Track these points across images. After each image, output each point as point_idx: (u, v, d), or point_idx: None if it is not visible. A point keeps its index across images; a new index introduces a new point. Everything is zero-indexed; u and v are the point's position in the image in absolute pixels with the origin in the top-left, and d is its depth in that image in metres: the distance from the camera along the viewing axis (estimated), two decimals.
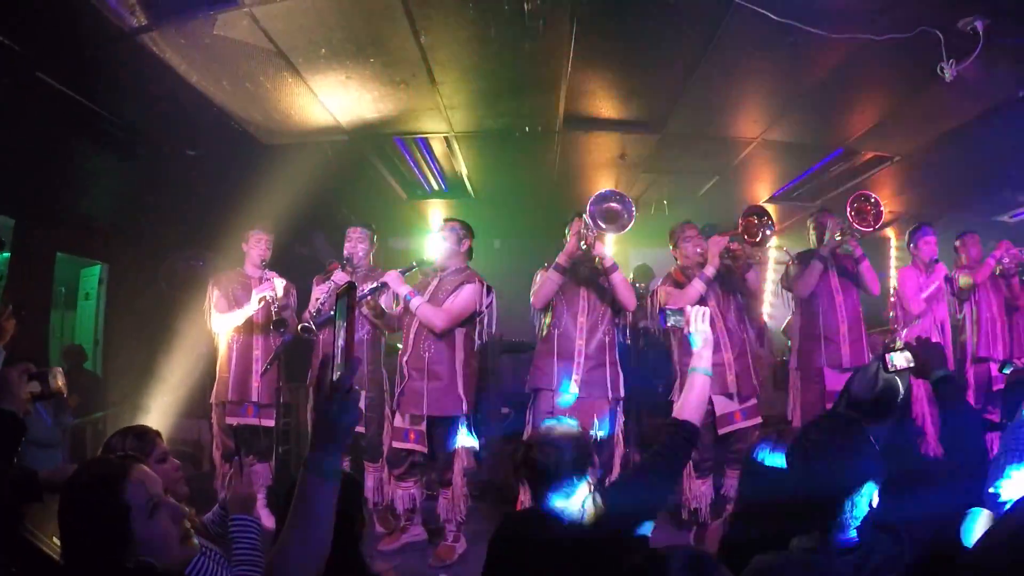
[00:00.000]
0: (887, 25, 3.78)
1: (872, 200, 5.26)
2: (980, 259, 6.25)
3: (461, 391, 4.88)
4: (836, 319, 5.42)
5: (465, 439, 4.99)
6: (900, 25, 3.79)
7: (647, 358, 7.30)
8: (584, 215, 4.59)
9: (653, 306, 5.21)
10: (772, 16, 3.55)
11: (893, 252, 9.74)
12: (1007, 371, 4.91)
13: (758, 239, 5.04)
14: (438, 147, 6.04)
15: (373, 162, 6.36)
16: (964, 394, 4.61)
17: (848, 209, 5.25)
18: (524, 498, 4.29)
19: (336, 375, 1.60)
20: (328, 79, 4.50)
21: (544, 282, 4.86)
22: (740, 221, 5.09)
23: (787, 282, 5.77)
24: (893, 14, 3.72)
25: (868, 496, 1.96)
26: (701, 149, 6.02)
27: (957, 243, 6.49)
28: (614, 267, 4.78)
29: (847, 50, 4.04)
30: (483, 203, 7.60)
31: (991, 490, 1.74)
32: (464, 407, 4.90)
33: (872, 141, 5.80)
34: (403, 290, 4.90)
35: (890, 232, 9.42)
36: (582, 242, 4.70)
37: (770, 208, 7.03)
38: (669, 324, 2.93)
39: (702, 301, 4.92)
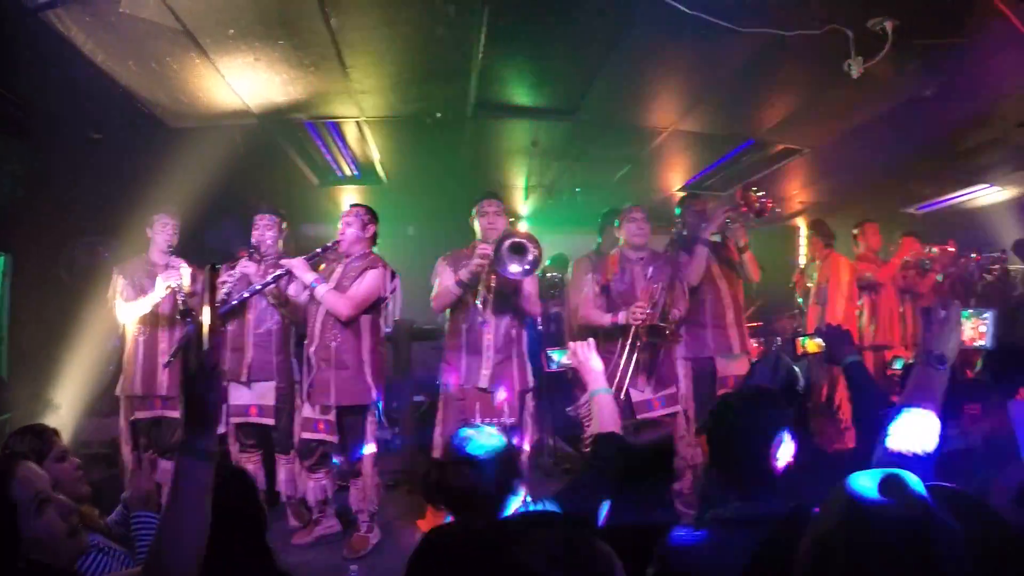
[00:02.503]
0: (798, 21, 3.89)
1: (760, 191, 5.41)
2: (879, 248, 6.51)
3: (370, 379, 4.84)
4: (722, 306, 5.49)
5: (375, 428, 4.96)
6: (811, 22, 3.91)
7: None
8: (485, 250, 4.59)
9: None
10: (682, 7, 3.59)
11: (803, 240, 10.01)
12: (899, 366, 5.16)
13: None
14: (349, 132, 5.99)
15: (283, 147, 6.25)
16: (872, 378, 4.81)
17: (738, 197, 5.42)
18: None
19: (199, 355, 1.59)
20: (236, 61, 4.39)
21: (444, 292, 4.84)
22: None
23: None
24: (804, 11, 3.83)
25: (785, 453, 2.03)
26: (614, 137, 6.09)
27: (856, 231, 6.76)
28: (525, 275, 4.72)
29: (758, 44, 4.12)
30: (396, 189, 7.58)
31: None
32: (373, 395, 4.85)
33: (783, 133, 5.97)
34: (308, 277, 4.81)
35: (800, 221, 9.73)
36: (483, 269, 4.66)
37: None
38: (554, 367, 2.94)
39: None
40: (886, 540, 1.15)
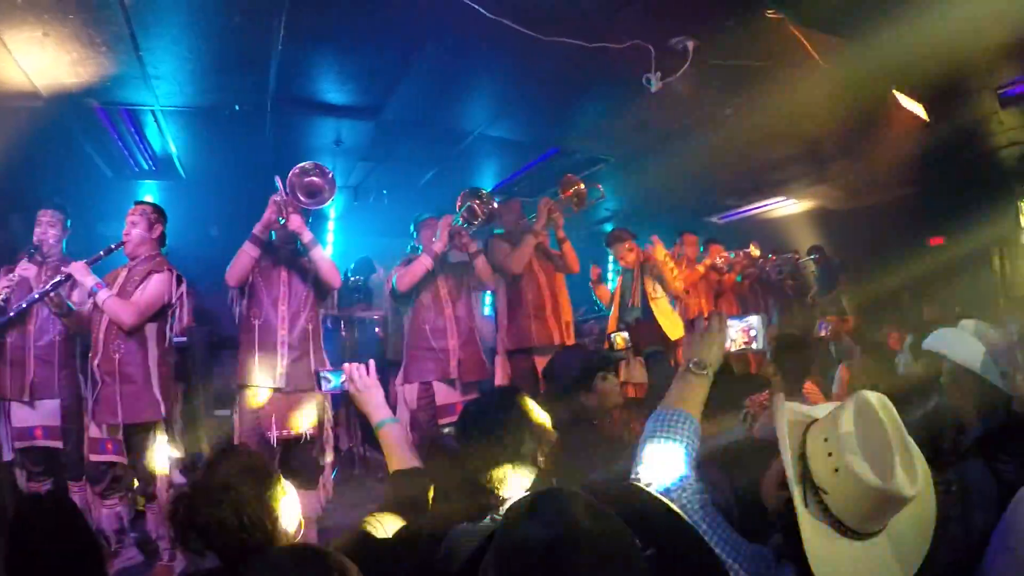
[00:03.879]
0: (603, 35, 3.98)
1: (575, 180, 5.66)
2: (695, 257, 6.82)
3: (157, 393, 4.45)
4: (541, 298, 5.59)
5: (166, 446, 4.56)
6: (615, 37, 4.01)
7: (358, 344, 7.21)
8: (279, 180, 4.42)
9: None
10: (485, 12, 3.58)
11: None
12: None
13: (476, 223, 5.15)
14: (145, 121, 5.60)
15: (74, 134, 5.77)
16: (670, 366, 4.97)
17: (559, 189, 5.60)
18: None
19: None
20: (23, 34, 3.96)
21: (239, 255, 4.57)
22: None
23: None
24: (609, 25, 3.93)
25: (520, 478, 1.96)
26: (420, 139, 6.05)
27: (677, 241, 7.04)
28: (314, 243, 4.58)
29: (564, 54, 4.15)
30: (197, 186, 7.16)
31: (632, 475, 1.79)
32: (162, 410, 4.46)
33: (587, 142, 6.16)
34: (89, 282, 4.38)
35: (607, 227, 9.99)
36: (279, 215, 4.49)
37: None
38: (328, 389, 2.74)
39: (431, 284, 5.09)
40: (526, 563, 1.13)
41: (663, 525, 1.45)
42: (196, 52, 4.40)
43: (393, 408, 4.93)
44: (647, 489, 1.67)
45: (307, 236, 4.54)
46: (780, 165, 7.01)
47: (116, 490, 4.58)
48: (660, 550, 1.30)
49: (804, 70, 4.52)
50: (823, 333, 5.85)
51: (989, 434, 2.46)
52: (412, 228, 5.47)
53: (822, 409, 1.65)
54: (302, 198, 4.40)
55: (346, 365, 2.67)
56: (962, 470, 2.25)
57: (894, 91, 5.06)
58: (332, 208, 8.01)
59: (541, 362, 5.31)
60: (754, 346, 2.16)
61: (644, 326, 5.77)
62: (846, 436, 1.45)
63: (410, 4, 3.80)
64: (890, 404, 1.51)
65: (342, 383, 2.66)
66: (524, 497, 1.25)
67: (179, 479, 4.68)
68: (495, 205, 5.33)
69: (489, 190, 7.40)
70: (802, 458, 1.52)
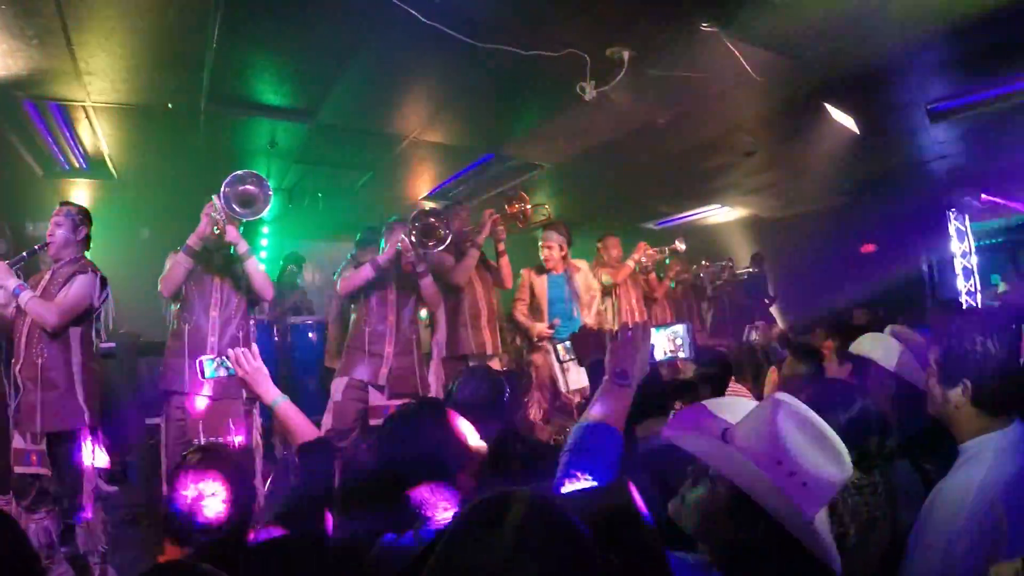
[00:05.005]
0: (539, 43, 3.98)
1: (522, 198, 5.74)
2: (620, 259, 6.85)
3: (81, 400, 4.29)
4: (478, 307, 5.66)
5: (92, 455, 4.42)
6: (551, 44, 4.02)
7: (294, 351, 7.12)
8: (216, 198, 4.36)
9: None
10: (420, 17, 3.56)
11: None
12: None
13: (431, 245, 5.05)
14: (77, 118, 5.43)
15: (2, 129, 5.57)
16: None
17: (506, 203, 5.70)
18: None
19: None
20: None
21: (173, 266, 4.51)
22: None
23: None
24: (545, 33, 3.94)
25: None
26: (355, 142, 6.00)
27: (599, 244, 7.06)
28: (249, 253, 4.56)
29: (500, 61, 4.17)
30: (129, 186, 6.98)
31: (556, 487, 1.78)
32: (87, 418, 4.31)
33: (523, 148, 6.17)
34: (11, 283, 4.22)
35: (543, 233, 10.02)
36: (215, 226, 4.43)
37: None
38: (209, 376, 2.71)
39: (381, 290, 5.07)
40: None
41: (628, 533, 1.36)
42: (129, 48, 4.30)
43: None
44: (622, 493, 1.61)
45: (243, 247, 4.52)
46: (715, 174, 7.12)
47: (43, 503, 4.35)
48: (625, 559, 1.24)
49: (738, 83, 4.59)
50: (753, 338, 5.95)
51: (914, 436, 2.52)
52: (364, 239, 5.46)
53: (729, 407, 1.65)
54: (237, 208, 4.35)
55: (230, 350, 2.67)
56: (889, 472, 2.27)
57: (826, 105, 5.19)
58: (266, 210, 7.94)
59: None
60: (681, 354, 2.15)
61: (587, 335, 5.70)
62: (795, 440, 1.45)
63: (346, 6, 3.76)
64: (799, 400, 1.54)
65: (228, 368, 2.63)
66: (469, 512, 1.18)
67: (107, 489, 4.55)
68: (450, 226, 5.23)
69: (424, 195, 7.42)
70: None
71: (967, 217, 8.78)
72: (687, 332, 2.14)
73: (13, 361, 4.33)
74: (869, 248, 9.24)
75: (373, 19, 3.81)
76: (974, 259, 8.81)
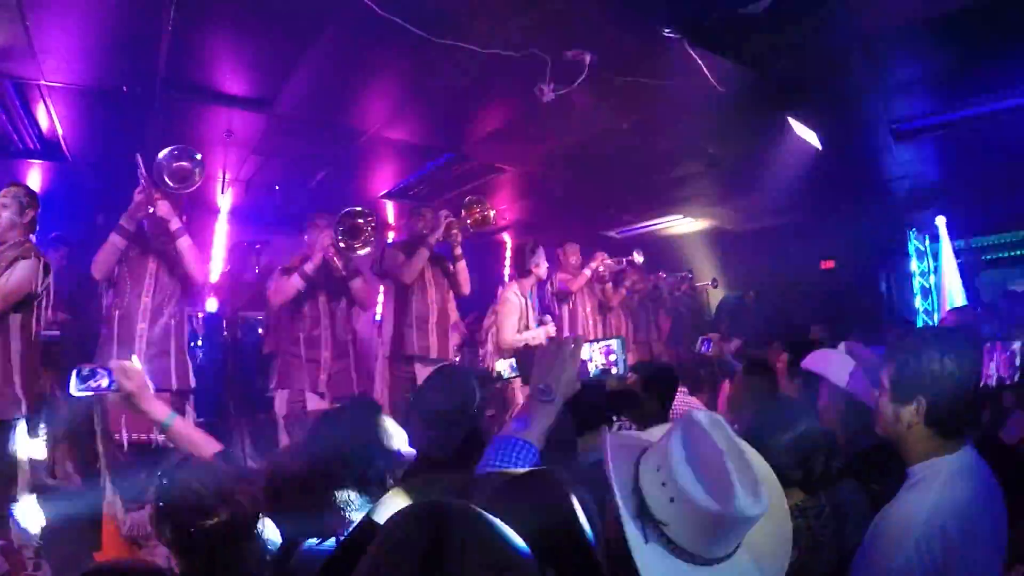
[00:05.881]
0: (499, 42, 3.94)
1: (483, 204, 5.67)
2: (579, 266, 6.85)
3: (19, 389, 4.17)
4: (426, 310, 5.61)
5: (28, 446, 4.29)
6: (511, 44, 3.98)
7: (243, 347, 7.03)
8: (138, 157, 4.41)
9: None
10: (377, 9, 3.51)
11: (508, 255, 10.23)
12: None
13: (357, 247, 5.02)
14: (31, 97, 5.27)
15: None
16: None
17: (462, 208, 5.60)
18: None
19: None
20: None
21: (105, 247, 4.47)
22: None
23: (381, 267, 5.80)
24: (505, 33, 3.89)
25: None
26: (313, 135, 5.89)
27: (559, 251, 7.06)
28: (181, 231, 4.51)
29: (460, 60, 4.13)
30: (84, 170, 6.78)
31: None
32: (24, 408, 4.19)
33: (484, 150, 6.10)
34: None
35: (506, 236, 9.99)
36: (149, 205, 4.41)
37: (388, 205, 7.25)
38: (81, 389, 2.45)
39: (312, 296, 5.02)
40: None
41: (568, 550, 1.27)
42: (84, 28, 4.18)
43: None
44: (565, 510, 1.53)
45: (174, 224, 4.48)
46: (677, 184, 7.12)
47: None
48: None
49: (701, 92, 4.55)
50: (706, 350, 5.96)
51: (861, 455, 2.51)
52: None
53: (658, 431, 1.55)
54: (170, 183, 4.31)
55: (113, 362, 2.41)
56: (835, 492, 2.26)
57: (789, 119, 5.20)
58: (224, 201, 7.81)
59: (423, 371, 5.27)
60: (613, 371, 2.01)
61: (531, 351, 5.61)
62: (677, 462, 1.35)
63: None
64: (722, 422, 1.40)
65: (110, 382, 2.40)
66: (398, 522, 1.11)
67: (46, 482, 4.44)
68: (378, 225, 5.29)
69: (384, 193, 7.36)
70: (636, 491, 1.40)
71: (927, 237, 8.88)
72: (621, 347, 2.03)
73: None
74: (828, 264, 9.32)
75: (330, 9, 3.76)
76: (933, 279, 8.89)
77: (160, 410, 2.41)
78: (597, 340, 2.04)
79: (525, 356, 3.08)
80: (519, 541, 1.04)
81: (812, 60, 4.28)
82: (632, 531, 1.37)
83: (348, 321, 5.32)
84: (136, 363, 2.45)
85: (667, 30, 3.88)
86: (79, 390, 2.38)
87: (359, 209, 5.09)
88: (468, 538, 0.99)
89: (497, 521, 1.05)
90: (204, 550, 1.90)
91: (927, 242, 8.91)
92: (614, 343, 2.02)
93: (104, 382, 2.38)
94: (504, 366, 3.55)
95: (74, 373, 2.39)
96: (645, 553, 1.35)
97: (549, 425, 1.82)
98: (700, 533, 1.33)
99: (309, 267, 4.93)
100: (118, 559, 1.88)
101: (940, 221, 8.25)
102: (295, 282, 4.95)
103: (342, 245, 4.87)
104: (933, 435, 1.95)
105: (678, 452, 1.35)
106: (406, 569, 0.95)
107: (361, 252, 5.01)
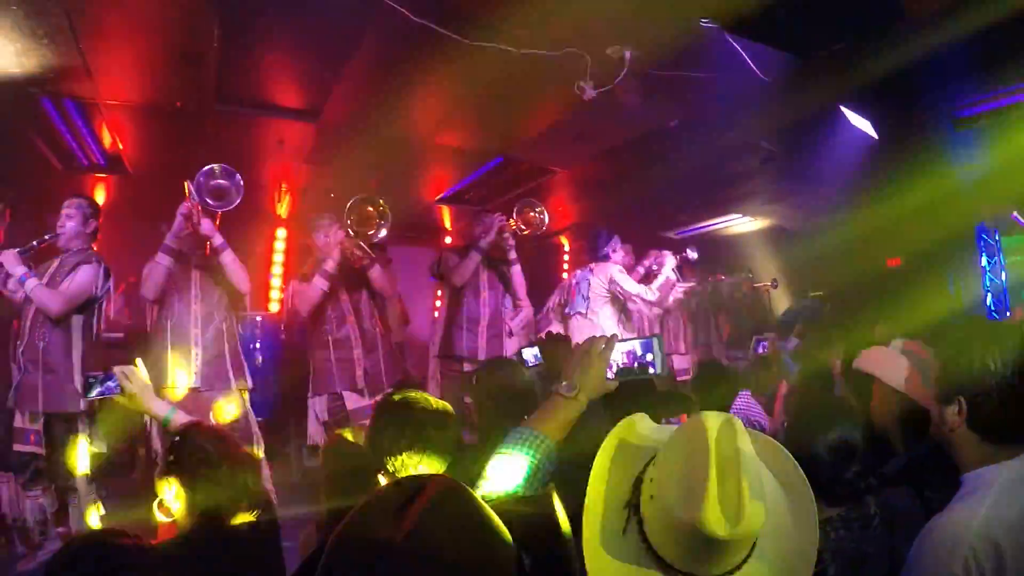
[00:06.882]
0: (536, 42, 3.95)
1: (537, 208, 5.72)
2: (631, 265, 6.79)
3: (79, 386, 4.38)
4: (478, 312, 5.69)
5: (86, 442, 4.52)
6: (549, 44, 3.99)
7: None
8: (188, 184, 4.50)
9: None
10: (409, 15, 3.56)
11: (566, 256, 10.25)
12: None
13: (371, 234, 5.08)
14: (92, 115, 5.51)
15: (20, 125, 5.64)
16: None
17: (514, 212, 5.65)
18: None
19: None
20: None
21: (153, 268, 4.63)
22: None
23: (438, 270, 5.92)
24: (543, 32, 3.89)
25: None
26: (362, 143, 5.91)
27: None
28: (223, 246, 4.65)
29: (497, 62, 4.12)
30: (144, 182, 7.01)
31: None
32: (83, 404, 4.43)
33: (533, 153, 6.15)
34: (18, 271, 4.41)
35: (563, 239, 9.97)
36: (193, 225, 4.56)
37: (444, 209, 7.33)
38: (96, 394, 2.61)
39: (333, 297, 5.17)
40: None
41: (544, 540, 1.28)
42: (136, 45, 4.36)
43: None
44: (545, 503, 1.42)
45: (218, 240, 4.64)
46: (732, 180, 6.99)
47: (38, 482, 4.55)
48: (535, 563, 1.19)
49: (748, 84, 4.43)
50: (762, 351, 5.84)
51: (915, 460, 2.35)
52: None
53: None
54: (210, 201, 4.46)
55: (115, 368, 2.59)
56: (886, 500, 2.15)
57: (843, 108, 5.06)
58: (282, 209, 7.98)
59: (470, 368, 5.36)
60: (651, 370, 1.91)
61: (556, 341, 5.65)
62: (664, 460, 1.28)
63: (339, 4, 3.77)
64: (739, 428, 1.25)
65: (115, 385, 2.57)
66: (383, 490, 1.14)
67: (103, 476, 4.63)
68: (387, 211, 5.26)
69: (439, 198, 7.41)
70: (638, 481, 1.34)
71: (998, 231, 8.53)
72: (659, 346, 1.95)
73: (18, 343, 4.54)
74: (895, 262, 9.01)
75: (366, 17, 3.81)
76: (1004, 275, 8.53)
77: (161, 408, 2.57)
78: (633, 339, 1.98)
79: (549, 345, 3.08)
80: (498, 522, 1.09)
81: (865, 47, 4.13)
82: (613, 519, 1.32)
83: (373, 313, 5.37)
84: (139, 366, 2.62)
85: (704, 19, 3.82)
86: (91, 394, 2.61)
87: (363, 196, 5.14)
88: (443, 500, 1.05)
89: (479, 499, 1.12)
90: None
91: (998, 236, 8.56)
92: (636, 344, 1.95)
93: (111, 385, 2.59)
94: (529, 354, 3.56)
95: (85, 379, 2.64)
96: (615, 541, 1.29)
97: (571, 419, 1.81)
98: (671, 539, 1.23)
99: (330, 265, 5.00)
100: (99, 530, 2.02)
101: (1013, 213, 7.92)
102: (319, 283, 5.03)
103: (354, 234, 4.92)
104: (983, 442, 1.78)
105: (670, 450, 1.29)
106: (380, 518, 1.02)
107: (377, 236, 5.05)
